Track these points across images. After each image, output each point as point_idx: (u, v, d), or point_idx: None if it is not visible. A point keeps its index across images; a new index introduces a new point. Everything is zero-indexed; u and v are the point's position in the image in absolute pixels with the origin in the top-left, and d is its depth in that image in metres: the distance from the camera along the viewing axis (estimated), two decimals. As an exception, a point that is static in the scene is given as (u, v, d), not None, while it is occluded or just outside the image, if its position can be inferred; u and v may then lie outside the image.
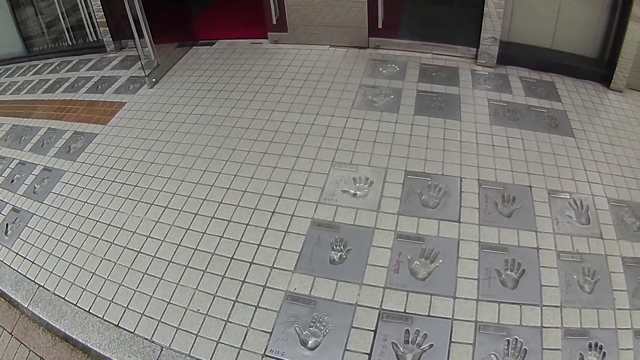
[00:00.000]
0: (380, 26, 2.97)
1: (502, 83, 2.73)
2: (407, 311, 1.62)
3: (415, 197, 2.02)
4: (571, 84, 2.71)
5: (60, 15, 4.06)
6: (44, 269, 2.09)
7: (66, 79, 3.60)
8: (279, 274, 1.78)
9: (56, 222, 2.29)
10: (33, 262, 2.15)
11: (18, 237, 2.30)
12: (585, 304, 1.64)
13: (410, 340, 1.55)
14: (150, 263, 1.95)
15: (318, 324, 1.61)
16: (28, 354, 1.86)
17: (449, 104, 2.56)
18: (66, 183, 2.51)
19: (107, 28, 3.77)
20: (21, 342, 1.92)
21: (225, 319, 1.68)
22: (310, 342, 1.57)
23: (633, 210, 1.97)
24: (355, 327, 1.59)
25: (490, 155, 2.22)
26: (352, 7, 3.07)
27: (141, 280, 1.89)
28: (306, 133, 2.42)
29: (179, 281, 1.84)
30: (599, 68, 2.72)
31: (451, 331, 1.57)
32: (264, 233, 1.94)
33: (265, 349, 1.57)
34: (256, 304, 1.70)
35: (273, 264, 1.82)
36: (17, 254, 2.23)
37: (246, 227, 1.98)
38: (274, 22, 3.26)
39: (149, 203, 2.22)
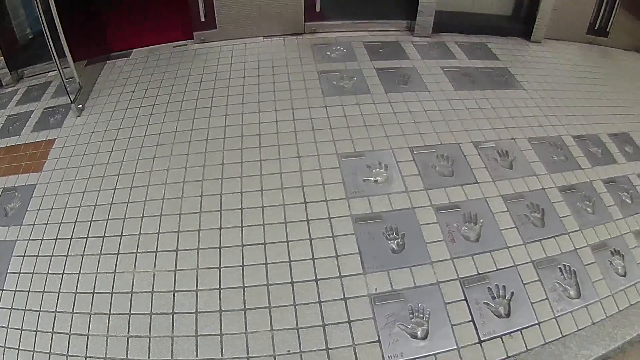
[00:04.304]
0: (318, 9, 3.65)
1: (444, 50, 3.72)
2: (480, 272, 2.27)
3: (431, 170, 2.70)
4: (499, 42, 3.90)
5: None
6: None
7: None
8: (352, 281, 2.19)
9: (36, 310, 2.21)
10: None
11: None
12: (592, 224, 2.58)
13: (495, 295, 2.20)
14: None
15: (417, 314, 2.10)
16: None
17: (411, 78, 3.39)
18: (23, 256, 2.43)
19: (1, 57, 3.62)
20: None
21: (324, 347, 1.98)
22: (419, 332, 2.05)
23: (592, 142, 3.10)
24: (448, 303, 2.14)
25: (470, 118, 3.09)
26: None
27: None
28: (293, 130, 2.88)
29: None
30: (518, 24, 3.99)
31: (519, 275, 2.28)
32: (311, 245, 2.31)
33: (383, 358, 1.96)
34: (347, 320, 2.06)
35: (340, 273, 2.22)
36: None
37: (287, 244, 2.32)
38: (203, 19, 3.61)
39: (151, 251, 2.35)
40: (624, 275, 2.39)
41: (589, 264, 2.37)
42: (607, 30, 4.26)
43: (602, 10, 4.19)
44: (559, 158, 2.91)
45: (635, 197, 2.81)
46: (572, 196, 2.69)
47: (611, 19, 4.21)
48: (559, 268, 2.33)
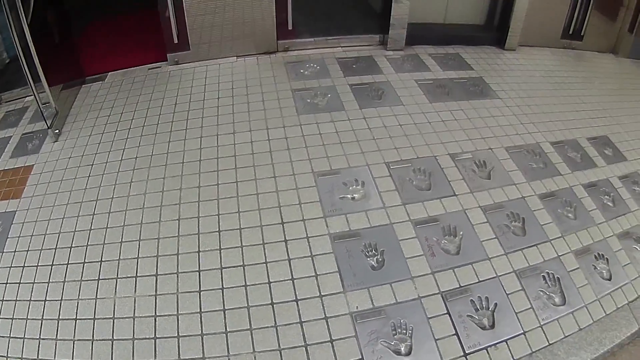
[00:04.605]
0: (290, 27, 3.79)
1: (417, 63, 3.85)
2: (461, 285, 2.31)
3: (409, 184, 2.76)
4: (473, 52, 4.04)
5: None
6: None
7: None
8: (333, 300, 2.22)
9: (20, 337, 2.23)
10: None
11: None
12: (574, 229, 2.65)
13: (478, 307, 2.24)
14: None
15: (399, 330, 2.14)
16: None
17: (385, 92, 3.49)
18: (6, 283, 2.46)
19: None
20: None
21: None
22: (402, 348, 2.08)
23: (571, 147, 3.21)
24: (431, 317, 2.18)
25: (446, 130, 3.17)
26: (258, 12, 3.79)
27: None
28: (268, 150, 2.95)
29: None
30: (491, 33, 4.18)
31: (502, 286, 2.33)
32: (290, 265, 2.35)
33: (367, 376, 2.00)
34: (329, 339, 2.10)
35: (320, 292, 2.26)
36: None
37: (266, 265, 2.36)
38: (176, 40, 3.73)
39: (131, 276, 2.39)
40: (609, 279, 2.45)
41: (573, 270, 2.43)
42: (582, 33, 4.43)
43: (576, 14, 4.37)
44: (538, 165, 3.00)
45: (616, 200, 2.89)
46: (552, 203, 2.77)
47: (585, 22, 4.37)
48: (543, 276, 2.38)
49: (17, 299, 2.40)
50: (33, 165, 3.16)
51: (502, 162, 2.98)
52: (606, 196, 2.90)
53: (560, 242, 2.57)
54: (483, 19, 4.24)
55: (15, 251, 2.62)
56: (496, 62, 4.00)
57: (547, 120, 3.39)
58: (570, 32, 4.43)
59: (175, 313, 2.22)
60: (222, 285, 2.30)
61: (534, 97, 3.61)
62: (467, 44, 4.13)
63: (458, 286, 2.30)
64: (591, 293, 2.37)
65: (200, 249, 2.45)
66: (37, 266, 2.52)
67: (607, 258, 2.54)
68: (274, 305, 2.21)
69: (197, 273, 2.36)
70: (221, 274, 2.35)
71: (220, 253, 2.43)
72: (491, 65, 3.93)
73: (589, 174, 3.03)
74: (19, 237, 2.69)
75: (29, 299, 2.39)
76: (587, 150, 3.21)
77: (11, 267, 2.55)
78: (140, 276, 2.38)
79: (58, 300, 2.35)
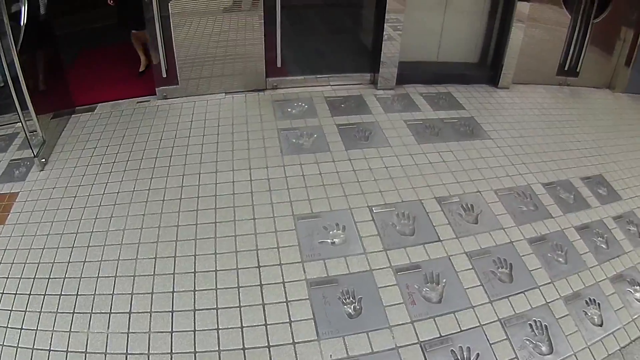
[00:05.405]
0: (279, 65, 3.90)
1: (407, 102, 3.93)
2: (442, 334, 2.30)
3: (391, 229, 2.78)
4: (465, 91, 4.12)
5: None
6: None
7: None
8: (306, 348, 2.22)
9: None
10: None
11: None
12: (565, 274, 2.64)
13: (458, 357, 2.22)
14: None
15: None
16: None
17: (372, 133, 3.55)
18: None
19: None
20: None
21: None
22: (377, 398, 2.08)
23: (563, 187, 3.23)
24: (409, 368, 2.17)
25: (433, 173, 3.21)
26: (248, 49, 3.94)
27: None
28: (249, 191, 3.00)
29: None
30: (484, 71, 4.27)
31: (485, 335, 2.31)
32: (264, 310, 2.36)
33: None
34: None
35: (293, 339, 2.25)
36: None
37: (240, 309, 2.37)
38: (164, 75, 3.88)
39: (105, 312, 2.41)
40: (601, 325, 2.43)
41: (562, 317, 2.42)
42: (578, 69, 4.50)
43: (571, 50, 4.44)
44: (528, 208, 3.01)
45: (610, 241, 2.89)
46: (542, 247, 2.77)
47: (581, 58, 4.44)
48: (529, 324, 2.37)
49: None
50: (18, 192, 3.24)
51: (491, 205, 3.00)
52: (599, 238, 2.90)
53: (550, 288, 2.56)
54: (476, 57, 4.36)
55: (-1, 277, 2.66)
56: (489, 101, 4.07)
57: (539, 160, 3.43)
58: (566, 69, 4.52)
59: (147, 352, 2.23)
60: (194, 328, 2.31)
61: (527, 137, 3.66)
62: (460, 83, 4.23)
63: (438, 336, 2.29)
64: (581, 340, 2.34)
65: (175, 289, 2.48)
66: (15, 294, 2.55)
67: (598, 303, 2.53)
68: (246, 351, 2.20)
69: (170, 313, 2.37)
70: (194, 315, 2.36)
71: (194, 294, 2.45)
72: (483, 105, 4.01)
73: (582, 216, 3.04)
74: (1, 263, 2.73)
75: (5, 325, 2.41)
76: (581, 191, 3.23)
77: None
78: (114, 312, 2.40)
79: (33, 330, 2.37)
